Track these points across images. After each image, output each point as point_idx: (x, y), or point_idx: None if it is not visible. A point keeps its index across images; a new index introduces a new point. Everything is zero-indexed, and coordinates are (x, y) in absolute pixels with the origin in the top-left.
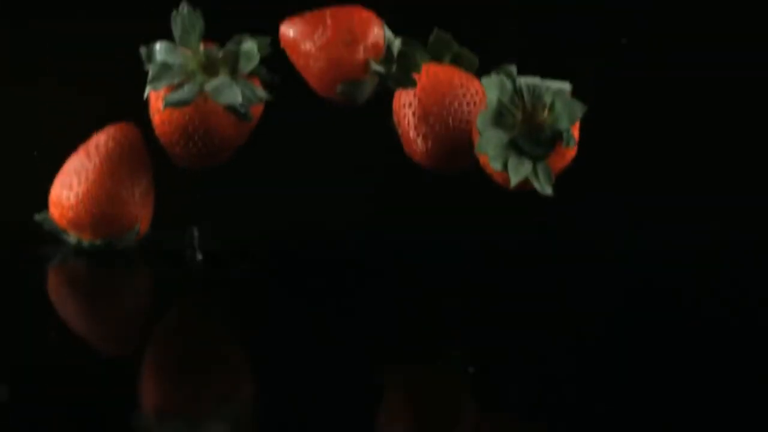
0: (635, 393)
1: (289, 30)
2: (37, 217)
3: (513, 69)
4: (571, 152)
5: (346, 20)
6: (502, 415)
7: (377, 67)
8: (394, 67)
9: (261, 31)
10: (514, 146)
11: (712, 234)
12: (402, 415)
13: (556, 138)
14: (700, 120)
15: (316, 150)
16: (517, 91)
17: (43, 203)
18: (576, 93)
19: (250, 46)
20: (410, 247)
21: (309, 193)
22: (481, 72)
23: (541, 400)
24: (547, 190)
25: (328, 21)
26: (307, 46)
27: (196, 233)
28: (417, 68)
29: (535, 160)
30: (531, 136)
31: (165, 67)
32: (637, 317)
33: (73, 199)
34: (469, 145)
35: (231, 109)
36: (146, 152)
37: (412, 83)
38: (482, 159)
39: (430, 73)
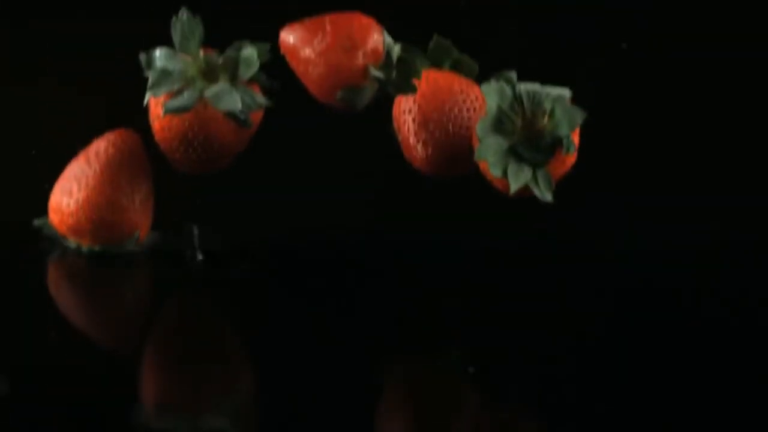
0: (635, 393)
1: (288, 36)
2: (37, 222)
3: (513, 75)
4: (571, 159)
5: (346, 26)
6: (502, 415)
7: (377, 74)
8: (393, 74)
9: (261, 38)
10: (514, 153)
11: (712, 234)
12: (402, 414)
13: (556, 144)
14: (699, 120)
15: (316, 156)
16: (517, 98)
17: (42, 204)
18: (576, 96)
19: (249, 52)
20: (410, 248)
21: (309, 199)
22: (481, 78)
23: (541, 400)
24: (547, 196)
25: (328, 27)
26: (307, 52)
27: (196, 232)
28: (417, 74)
29: (535, 166)
30: (531, 143)
31: (165, 74)
32: (637, 317)
33: (73, 206)
34: (469, 151)
35: (231, 115)
36: (146, 159)
37: (411, 89)
38: (482, 165)
39: (430, 80)
